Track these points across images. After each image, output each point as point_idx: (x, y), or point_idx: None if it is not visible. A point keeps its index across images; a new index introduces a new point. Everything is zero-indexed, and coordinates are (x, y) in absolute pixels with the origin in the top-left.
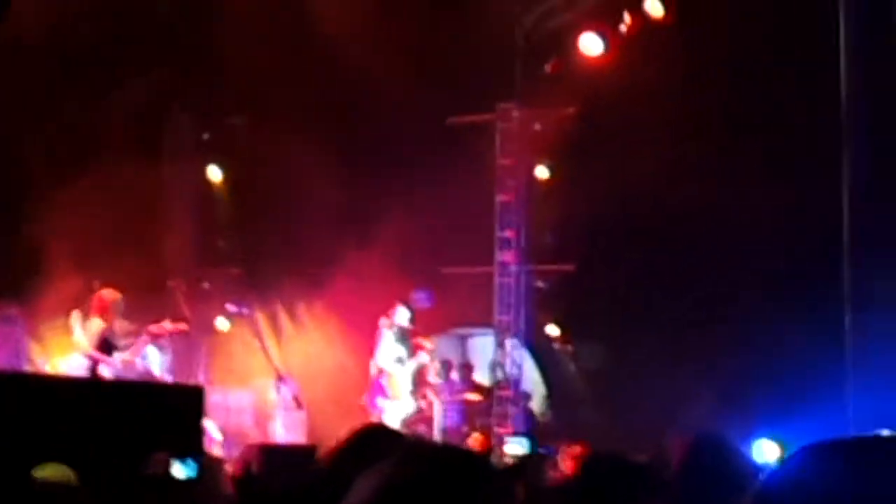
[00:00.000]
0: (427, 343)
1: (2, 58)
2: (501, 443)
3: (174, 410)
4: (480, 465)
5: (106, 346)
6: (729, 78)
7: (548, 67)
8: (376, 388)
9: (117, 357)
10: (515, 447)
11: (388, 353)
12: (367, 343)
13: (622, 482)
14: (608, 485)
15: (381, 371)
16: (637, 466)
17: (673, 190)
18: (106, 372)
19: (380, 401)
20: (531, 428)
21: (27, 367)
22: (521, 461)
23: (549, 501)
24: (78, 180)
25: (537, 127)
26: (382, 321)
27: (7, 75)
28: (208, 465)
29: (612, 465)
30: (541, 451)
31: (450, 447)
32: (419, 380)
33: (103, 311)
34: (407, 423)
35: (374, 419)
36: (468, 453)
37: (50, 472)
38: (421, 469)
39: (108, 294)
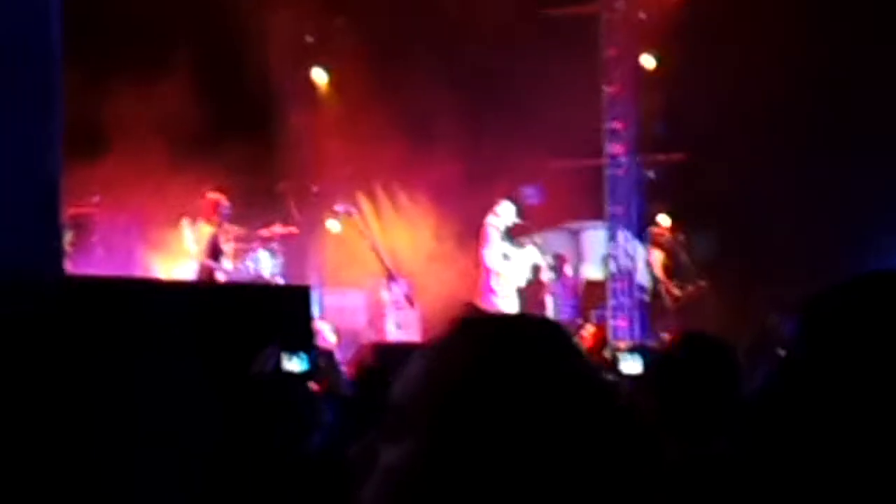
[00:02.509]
0: (537, 239)
1: None
2: (616, 335)
3: (282, 311)
4: (556, 333)
5: (215, 250)
6: None
7: None
8: (486, 287)
9: (225, 262)
10: (630, 365)
11: (496, 251)
12: (476, 239)
13: (718, 360)
14: (703, 362)
15: (489, 270)
16: (733, 348)
17: (783, 74)
18: (220, 277)
19: (492, 299)
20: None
21: (140, 275)
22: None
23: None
24: (185, 87)
25: (642, 16)
26: (490, 218)
27: None
28: (321, 358)
29: (708, 344)
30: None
31: (517, 316)
32: (534, 278)
33: (209, 216)
34: None
35: None
36: (541, 320)
37: None
38: (479, 338)
39: (214, 197)
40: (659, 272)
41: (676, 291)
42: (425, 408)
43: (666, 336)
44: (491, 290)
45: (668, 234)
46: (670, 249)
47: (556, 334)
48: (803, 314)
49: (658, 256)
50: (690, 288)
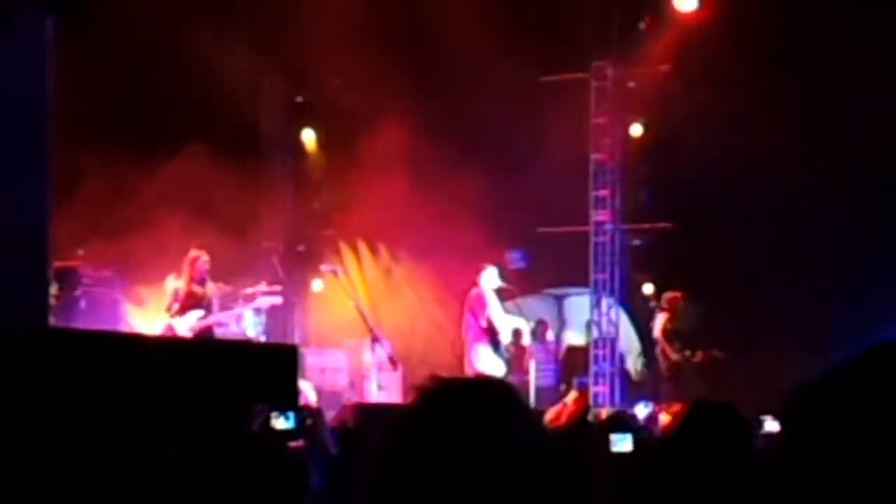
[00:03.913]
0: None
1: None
2: (597, 401)
3: (269, 369)
4: (506, 393)
5: (174, 305)
6: (832, 26)
7: (642, 25)
8: (474, 353)
9: (191, 316)
10: (622, 445)
11: (497, 310)
12: (461, 303)
13: (729, 432)
14: (714, 434)
15: (482, 334)
16: (743, 418)
17: (771, 146)
18: (182, 331)
19: (477, 365)
20: (626, 386)
21: (124, 329)
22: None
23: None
24: (177, 145)
25: (632, 85)
26: (480, 282)
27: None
28: (310, 416)
29: (720, 415)
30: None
31: (473, 378)
32: (516, 343)
33: (181, 272)
34: None
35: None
36: (493, 381)
37: None
38: (436, 402)
39: (192, 254)
40: (658, 334)
41: (674, 356)
42: (371, 465)
43: (654, 407)
44: (477, 357)
45: (682, 301)
46: (680, 315)
47: (501, 398)
48: (820, 388)
49: (661, 319)
50: (700, 354)
